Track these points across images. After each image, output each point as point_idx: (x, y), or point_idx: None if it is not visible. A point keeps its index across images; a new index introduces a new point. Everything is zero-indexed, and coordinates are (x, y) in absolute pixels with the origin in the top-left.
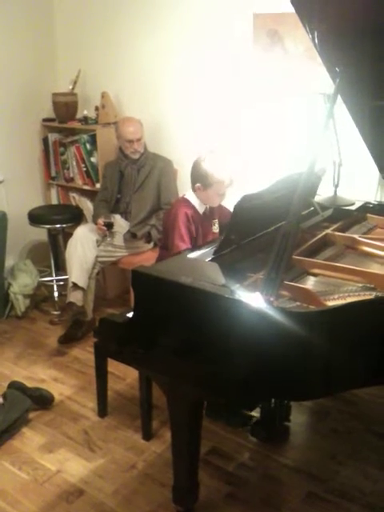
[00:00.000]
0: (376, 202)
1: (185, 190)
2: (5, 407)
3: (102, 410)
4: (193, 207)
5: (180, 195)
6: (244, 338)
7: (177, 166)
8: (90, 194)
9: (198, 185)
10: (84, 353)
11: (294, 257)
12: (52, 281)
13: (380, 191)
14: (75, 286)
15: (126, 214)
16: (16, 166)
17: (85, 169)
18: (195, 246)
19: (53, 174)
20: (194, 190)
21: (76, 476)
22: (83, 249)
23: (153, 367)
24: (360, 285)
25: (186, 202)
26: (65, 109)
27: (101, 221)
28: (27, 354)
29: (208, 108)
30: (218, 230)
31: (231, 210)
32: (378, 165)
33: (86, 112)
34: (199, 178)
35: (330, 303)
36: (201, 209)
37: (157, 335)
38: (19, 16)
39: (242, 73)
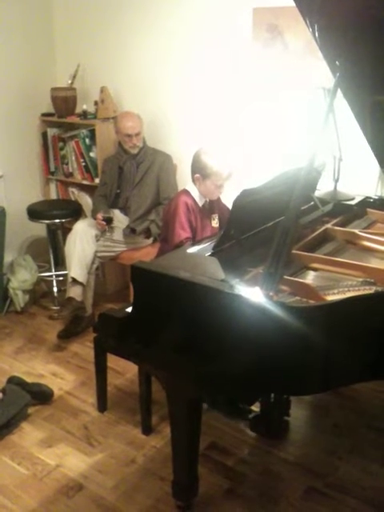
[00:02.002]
0: (376, 197)
1: (184, 184)
2: (4, 402)
3: (102, 405)
4: (192, 198)
5: (179, 190)
6: (243, 332)
7: (176, 161)
8: (89, 189)
9: (197, 175)
10: (83, 348)
11: (293, 251)
12: (51, 276)
13: (380, 186)
14: (74, 281)
15: (125, 209)
16: (15, 160)
17: (84, 164)
18: (194, 238)
19: (52, 168)
20: (194, 181)
21: (75, 471)
22: (82, 244)
23: (152, 362)
24: (360, 279)
25: (187, 192)
26: (64, 103)
27: (100, 216)
28: (27, 349)
29: (208, 103)
30: (217, 225)
31: (231, 205)
32: (378, 159)
33: (85, 107)
34: (198, 169)
35: (330, 298)
36: (200, 201)
37: (156, 330)
38: (18, 10)
39: (241, 67)
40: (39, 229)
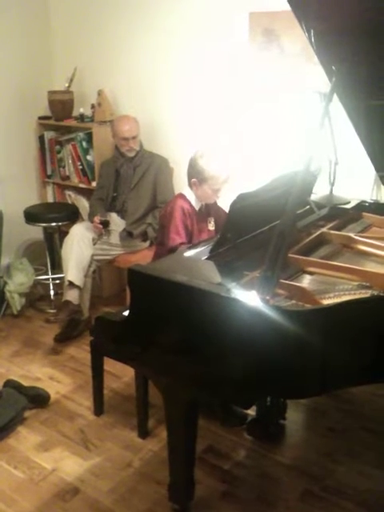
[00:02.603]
0: (372, 201)
1: (181, 188)
2: (0, 406)
3: (98, 409)
4: (189, 202)
5: (176, 193)
6: (240, 336)
7: (173, 165)
8: (86, 193)
9: (193, 180)
10: (80, 351)
11: (289, 255)
12: (48, 279)
13: (376, 190)
14: (71, 284)
15: (122, 213)
16: (12, 164)
17: (81, 167)
18: (190, 242)
19: (49, 172)
20: (190, 185)
21: (72, 474)
22: (79, 247)
23: (149, 366)
24: (355, 283)
25: (183, 196)
26: (61, 107)
27: (97, 219)
28: (23, 352)
29: (204, 106)
30: (213, 228)
31: (227, 208)
32: (373, 163)
33: (82, 110)
34: (195, 174)
35: (326, 302)
36: (196, 205)
37: (153, 334)
38: (15, 13)
39: (238, 71)
40: (36, 232)
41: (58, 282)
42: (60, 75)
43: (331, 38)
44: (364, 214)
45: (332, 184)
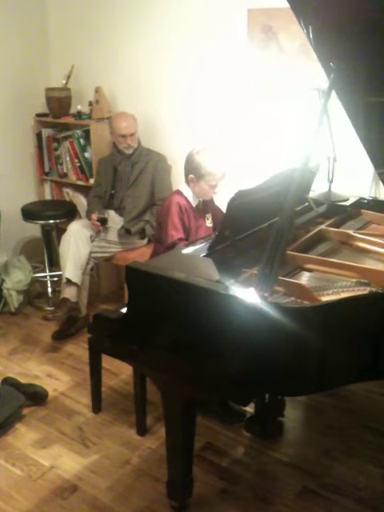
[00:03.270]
0: (370, 198)
1: (178, 185)
2: None
3: (97, 406)
4: (186, 199)
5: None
6: (238, 333)
7: (171, 162)
8: (84, 190)
9: (191, 176)
10: (78, 349)
11: (288, 252)
12: (46, 277)
13: (374, 187)
14: (69, 281)
15: (120, 210)
16: (9, 161)
17: (78, 164)
18: (188, 238)
19: (46, 169)
20: (187, 182)
21: (70, 472)
22: (77, 245)
23: (147, 363)
24: (354, 280)
25: (180, 193)
26: (58, 104)
27: (94, 216)
28: (21, 350)
29: (202, 103)
30: (211, 225)
31: (225, 205)
32: (372, 160)
33: (79, 107)
34: (192, 170)
35: (324, 298)
36: (194, 202)
37: (151, 331)
38: (13, 10)
39: (236, 69)
40: (34, 229)
41: (55, 279)
42: (57, 72)
43: (329, 34)
44: (362, 211)
45: (330, 181)
